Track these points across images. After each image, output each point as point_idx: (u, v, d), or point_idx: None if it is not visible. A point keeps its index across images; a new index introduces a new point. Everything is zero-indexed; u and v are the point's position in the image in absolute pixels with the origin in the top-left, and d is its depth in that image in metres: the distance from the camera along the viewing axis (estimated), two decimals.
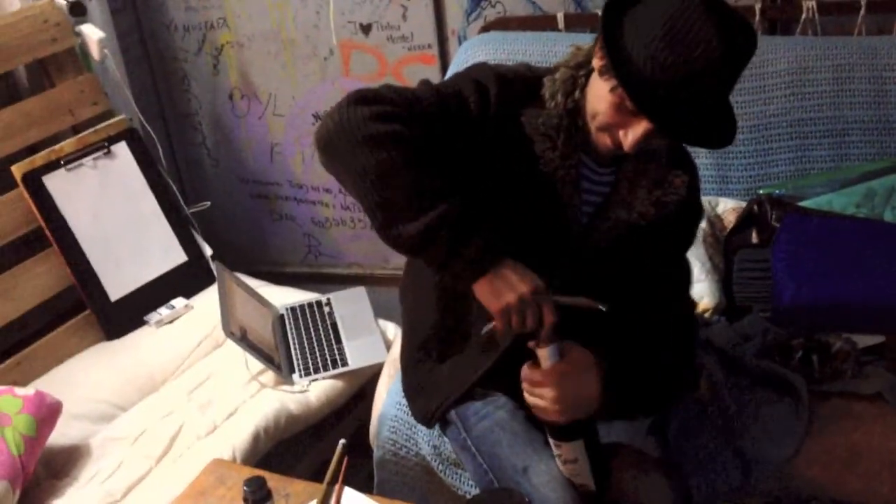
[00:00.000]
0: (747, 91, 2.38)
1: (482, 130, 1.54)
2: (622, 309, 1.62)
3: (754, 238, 2.28)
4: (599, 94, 1.46)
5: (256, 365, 2.32)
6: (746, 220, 2.31)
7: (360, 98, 1.47)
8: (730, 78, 1.41)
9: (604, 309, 1.47)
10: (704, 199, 2.39)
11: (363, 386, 2.41)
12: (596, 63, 1.47)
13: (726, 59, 1.36)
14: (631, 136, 1.44)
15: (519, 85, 1.58)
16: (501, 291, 1.43)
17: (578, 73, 1.54)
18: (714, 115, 1.43)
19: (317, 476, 1.70)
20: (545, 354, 1.49)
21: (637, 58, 1.37)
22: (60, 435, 2.14)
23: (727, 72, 1.39)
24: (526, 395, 1.53)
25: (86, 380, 2.38)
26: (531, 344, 1.50)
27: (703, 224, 2.33)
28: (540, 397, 1.50)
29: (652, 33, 1.36)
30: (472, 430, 1.71)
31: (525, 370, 1.52)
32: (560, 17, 2.59)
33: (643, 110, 1.40)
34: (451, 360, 1.76)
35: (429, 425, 1.82)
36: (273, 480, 1.51)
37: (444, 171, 1.54)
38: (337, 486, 1.51)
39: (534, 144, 1.55)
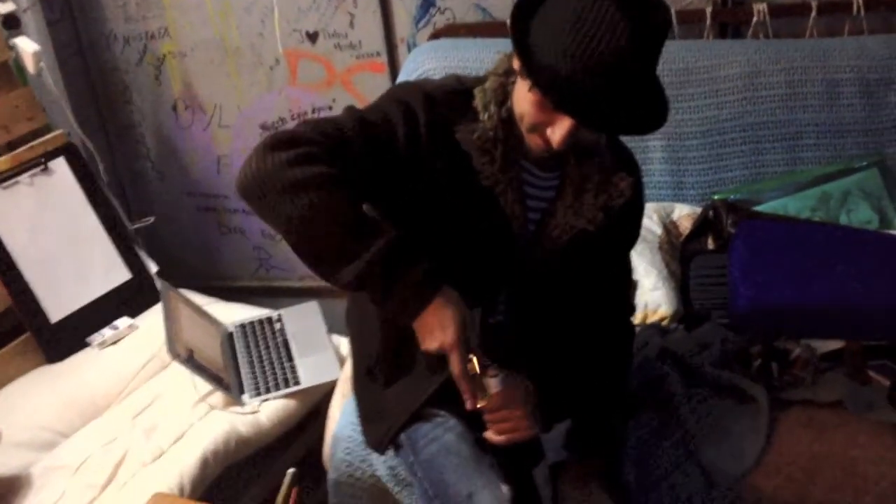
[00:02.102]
0: (699, 96, 2.36)
1: (414, 156, 1.50)
2: (568, 316, 1.66)
3: (710, 244, 2.26)
4: (522, 96, 1.44)
5: (205, 386, 2.24)
6: (702, 226, 2.29)
7: (276, 143, 1.42)
8: (644, 61, 1.37)
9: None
10: (659, 206, 2.39)
11: (316, 404, 2.35)
12: (515, 65, 1.44)
13: (635, 43, 1.32)
14: (557, 133, 1.41)
15: (448, 101, 1.53)
16: (438, 329, 1.44)
17: (508, 79, 1.51)
18: (638, 100, 1.39)
19: (269, 501, 1.64)
20: (492, 384, 1.51)
21: (547, 54, 1.35)
22: (0, 465, 2.06)
23: (639, 55, 1.35)
24: (490, 425, 1.55)
25: (26, 405, 2.29)
26: (477, 375, 1.50)
27: (659, 231, 2.31)
28: (506, 419, 1.53)
29: (559, 28, 1.34)
30: (420, 454, 1.66)
31: (480, 404, 1.51)
32: (510, 23, 2.54)
33: (559, 106, 1.37)
34: (397, 383, 1.72)
35: (380, 451, 1.77)
36: None
37: (375, 202, 1.53)
38: None
39: (471, 160, 1.51)
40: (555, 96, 1.36)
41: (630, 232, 1.73)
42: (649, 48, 1.37)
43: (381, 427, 1.74)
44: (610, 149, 1.59)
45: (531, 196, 1.58)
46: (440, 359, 1.53)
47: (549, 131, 1.42)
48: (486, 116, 1.51)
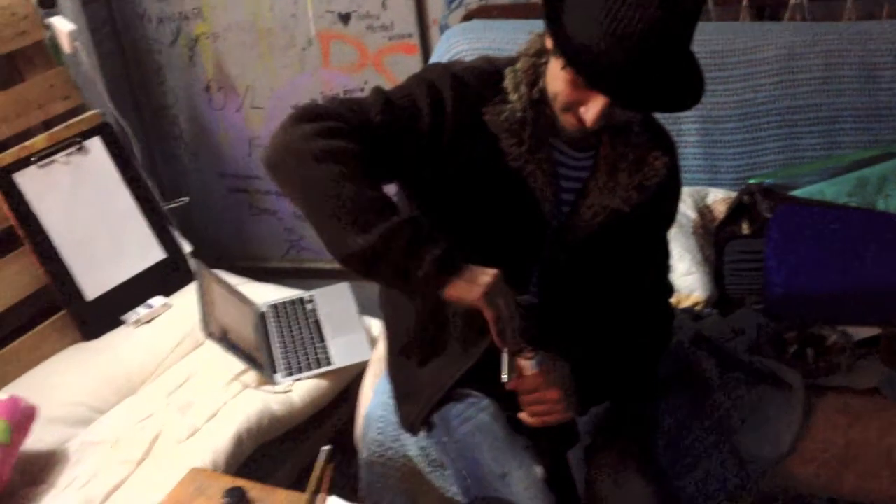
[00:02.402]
0: (735, 79, 2.33)
1: (439, 139, 1.49)
2: (603, 298, 1.65)
3: (745, 229, 2.24)
4: (555, 75, 1.43)
5: (238, 365, 2.26)
6: (737, 210, 2.27)
7: (304, 115, 1.42)
8: (678, 36, 1.36)
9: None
10: (694, 190, 2.37)
11: (348, 385, 2.36)
12: (548, 44, 1.43)
13: (669, 17, 1.31)
14: (591, 111, 1.40)
15: (477, 82, 1.52)
16: (474, 280, 1.38)
17: (540, 60, 1.50)
18: (673, 77, 1.38)
19: (301, 479, 1.65)
20: (527, 366, 1.50)
21: (580, 32, 1.35)
22: (37, 440, 2.08)
23: (673, 30, 1.34)
24: (525, 407, 1.54)
25: (62, 382, 2.31)
26: (510, 354, 1.49)
27: (693, 215, 2.30)
28: (541, 402, 1.52)
29: (592, 5, 1.33)
30: (454, 434, 1.67)
31: (514, 383, 1.51)
32: (542, 2, 2.52)
33: (592, 83, 1.36)
34: (432, 363, 1.72)
35: (413, 432, 1.78)
36: (254, 490, 1.46)
37: (401, 184, 1.54)
38: (320, 496, 1.46)
39: (500, 141, 1.51)
40: (588, 73, 1.35)
41: (666, 212, 1.71)
42: (683, 22, 1.35)
43: (414, 407, 1.75)
44: (645, 127, 1.58)
45: (564, 177, 1.58)
46: (474, 332, 1.53)
47: (582, 110, 1.41)
48: (515, 97, 1.50)
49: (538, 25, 2.52)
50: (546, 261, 1.61)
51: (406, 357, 1.77)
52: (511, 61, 1.55)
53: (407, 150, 1.49)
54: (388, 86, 2.68)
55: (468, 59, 2.31)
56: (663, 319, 1.78)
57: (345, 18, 2.82)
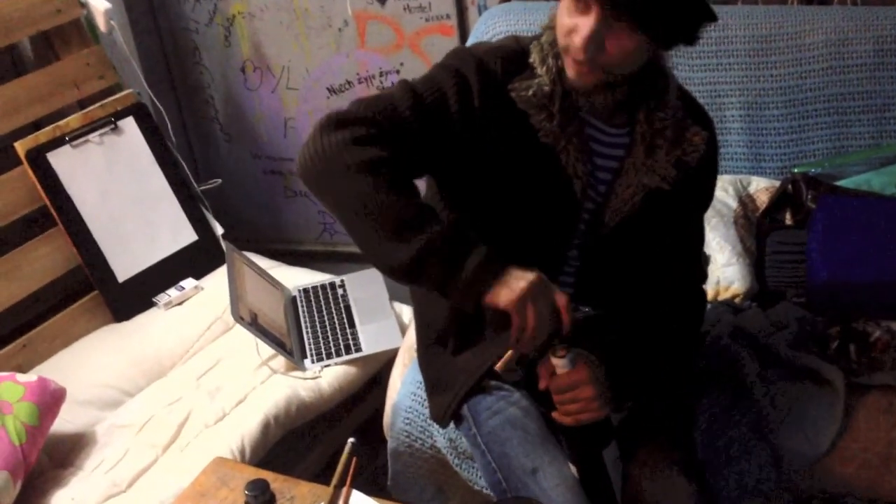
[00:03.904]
0: (782, 64, 2.27)
1: (470, 125, 1.46)
2: (638, 281, 1.61)
3: (788, 219, 2.18)
4: (559, 15, 1.38)
5: (267, 350, 2.24)
6: (780, 200, 2.21)
7: (335, 123, 1.39)
8: None
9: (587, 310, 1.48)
10: (736, 178, 2.31)
11: (377, 372, 2.33)
12: None
13: None
14: (580, 32, 1.34)
15: (503, 62, 1.49)
16: (511, 284, 1.36)
17: None
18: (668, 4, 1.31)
19: (328, 468, 1.63)
20: (560, 363, 1.47)
21: None
22: (65, 422, 2.09)
23: None
24: (559, 406, 1.50)
25: (92, 364, 2.31)
26: (550, 352, 1.47)
27: (734, 204, 2.24)
28: (574, 399, 1.48)
29: None
30: (483, 427, 1.63)
31: (551, 382, 1.48)
32: None
33: None
34: (466, 352, 1.69)
35: (443, 424, 1.74)
36: (277, 482, 1.44)
37: (434, 176, 1.53)
38: (344, 490, 1.43)
39: (529, 118, 1.47)
40: None
41: (705, 191, 1.66)
42: None
43: (445, 398, 1.71)
44: (682, 102, 1.54)
45: (599, 154, 1.53)
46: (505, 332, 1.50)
47: (575, 39, 1.35)
48: (543, 70, 1.46)
49: None
50: (580, 244, 1.57)
51: (439, 346, 1.74)
52: (537, 38, 1.50)
53: (439, 142, 1.46)
54: (424, 68, 2.65)
55: None
56: (697, 306, 1.74)
57: None
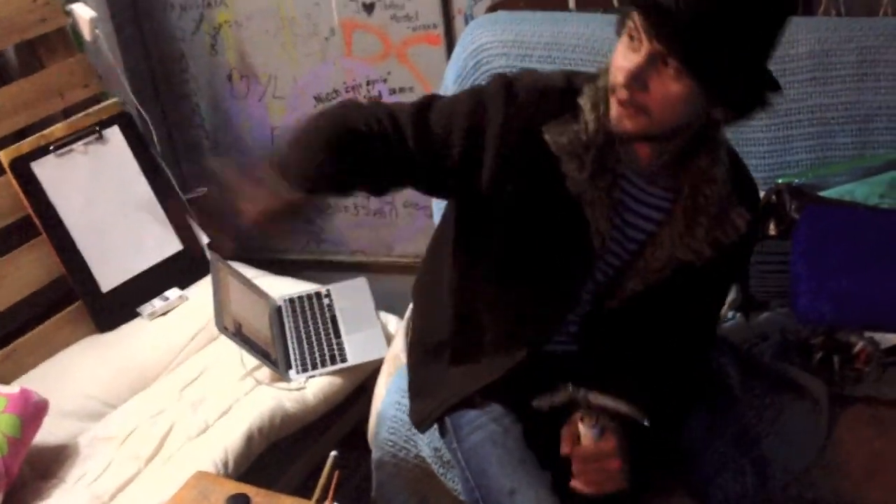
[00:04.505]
0: None
1: (476, 163, 1.43)
2: (648, 346, 1.56)
3: (772, 230, 2.17)
4: (615, 56, 1.33)
5: (252, 360, 2.23)
6: (764, 210, 2.20)
7: (343, 103, 1.42)
8: (733, 9, 1.25)
9: (646, 423, 1.41)
10: None
11: (362, 382, 2.33)
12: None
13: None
14: (629, 59, 1.29)
15: (539, 99, 1.44)
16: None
17: None
18: (728, 55, 1.27)
19: (312, 478, 1.62)
20: (589, 434, 1.44)
21: None
22: (48, 434, 2.08)
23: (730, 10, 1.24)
24: (579, 475, 1.46)
25: (76, 375, 2.30)
26: (578, 420, 1.46)
27: None
28: (600, 471, 1.44)
29: None
30: (464, 442, 1.62)
31: (576, 450, 1.46)
32: None
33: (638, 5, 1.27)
34: (462, 366, 1.67)
35: (421, 429, 1.73)
36: (259, 496, 1.43)
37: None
38: None
39: (559, 164, 1.42)
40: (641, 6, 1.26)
41: (735, 268, 1.62)
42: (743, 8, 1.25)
43: (428, 404, 1.70)
44: (731, 180, 1.47)
45: (634, 212, 1.48)
46: (504, 360, 1.53)
47: (619, 75, 1.30)
48: (593, 116, 1.39)
49: (563, 18, 2.49)
50: (595, 296, 1.54)
51: (435, 354, 1.71)
52: (592, 78, 1.44)
53: (438, 166, 1.44)
54: (411, 77, 2.66)
55: (492, 51, 2.32)
56: (703, 373, 1.72)
57: (368, 8, 2.77)
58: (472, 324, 1.63)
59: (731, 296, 2.08)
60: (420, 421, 1.74)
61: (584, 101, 1.41)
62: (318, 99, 2.97)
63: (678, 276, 1.49)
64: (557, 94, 1.45)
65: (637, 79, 1.29)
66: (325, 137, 1.43)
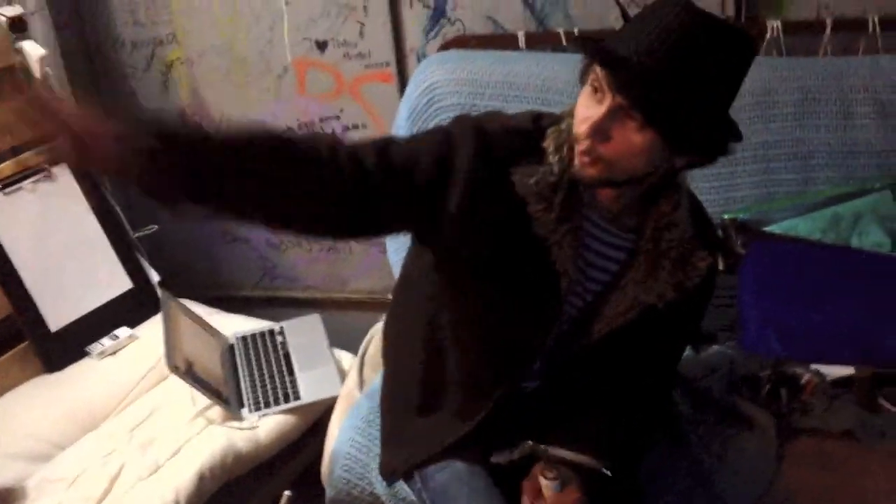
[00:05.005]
0: None
1: (441, 198, 1.42)
2: (609, 387, 1.59)
3: (719, 265, 2.21)
4: (578, 104, 1.36)
5: (203, 399, 2.21)
6: None
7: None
8: (690, 53, 1.28)
9: (607, 473, 1.44)
10: None
11: (316, 420, 2.31)
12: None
13: (684, 30, 1.27)
14: (591, 110, 1.31)
15: (508, 139, 1.44)
16: None
17: None
18: (685, 100, 1.29)
19: None
20: (550, 486, 1.46)
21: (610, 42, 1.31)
22: None
23: (686, 43, 1.27)
24: None
25: (23, 416, 2.25)
26: (539, 473, 1.48)
27: None
28: None
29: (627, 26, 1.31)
30: (429, 482, 1.62)
31: (537, 502, 1.48)
32: (521, 35, 2.51)
33: (596, 57, 1.30)
34: (429, 416, 1.66)
35: (388, 482, 1.73)
36: None
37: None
38: None
39: (526, 206, 1.43)
40: (596, 55, 1.29)
41: (697, 311, 1.63)
42: (697, 42, 1.28)
43: (398, 456, 1.69)
44: (693, 224, 1.50)
45: (597, 252, 1.50)
46: (472, 407, 1.54)
47: (582, 126, 1.33)
48: (556, 158, 1.41)
49: (514, 57, 2.52)
50: (561, 339, 1.55)
51: (405, 401, 1.71)
52: (557, 120, 1.46)
53: (402, 198, 1.43)
54: (364, 114, 2.67)
55: (444, 88, 2.34)
56: (663, 414, 1.75)
57: (321, 46, 2.79)
58: (439, 369, 1.63)
59: None
60: (389, 473, 1.73)
61: (548, 144, 1.43)
62: None
63: (643, 318, 1.50)
64: (524, 135, 1.46)
65: (599, 131, 1.31)
66: (267, 143, 1.38)
